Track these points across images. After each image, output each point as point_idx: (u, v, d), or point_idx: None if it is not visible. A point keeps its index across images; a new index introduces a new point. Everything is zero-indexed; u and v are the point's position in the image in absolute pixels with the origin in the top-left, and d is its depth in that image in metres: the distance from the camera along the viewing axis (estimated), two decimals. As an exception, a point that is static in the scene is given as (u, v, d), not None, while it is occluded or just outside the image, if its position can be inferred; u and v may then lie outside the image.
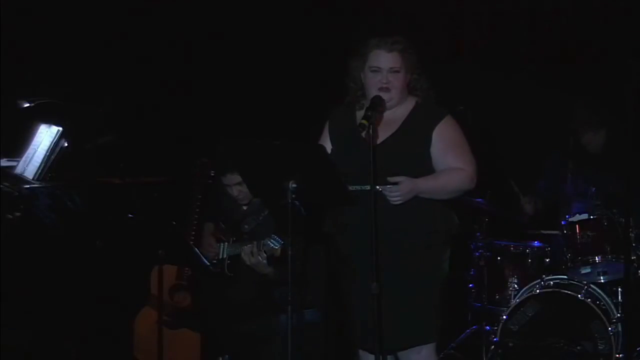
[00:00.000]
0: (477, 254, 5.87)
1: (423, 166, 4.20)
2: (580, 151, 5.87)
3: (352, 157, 4.19)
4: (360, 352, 4.40)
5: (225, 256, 5.14)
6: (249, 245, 4.93)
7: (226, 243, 5.19)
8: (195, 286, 5.45)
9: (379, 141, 4.18)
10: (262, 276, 5.05)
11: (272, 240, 4.87)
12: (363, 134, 4.07)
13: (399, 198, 4.11)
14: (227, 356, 5.22)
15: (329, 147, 4.31)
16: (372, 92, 4.23)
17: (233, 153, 4.40)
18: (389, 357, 4.32)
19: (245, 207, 5.35)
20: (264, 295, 5.14)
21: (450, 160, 4.21)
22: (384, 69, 4.23)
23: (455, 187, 4.23)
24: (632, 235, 5.24)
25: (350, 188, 4.15)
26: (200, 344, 5.41)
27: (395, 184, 4.11)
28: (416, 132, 4.21)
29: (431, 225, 4.23)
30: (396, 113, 4.27)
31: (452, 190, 4.23)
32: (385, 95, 4.21)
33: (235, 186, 5.23)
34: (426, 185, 4.17)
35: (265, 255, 4.91)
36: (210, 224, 5.38)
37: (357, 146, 4.19)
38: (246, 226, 5.25)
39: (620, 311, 5.36)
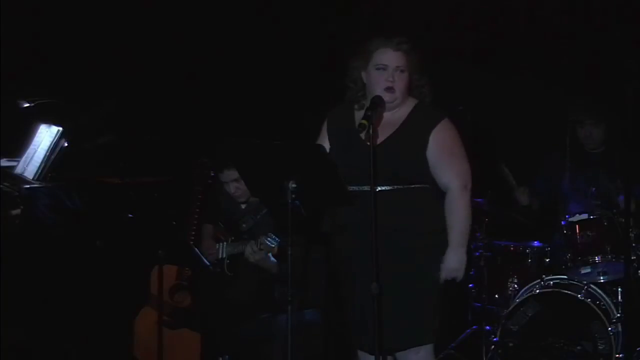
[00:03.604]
0: (477, 254, 5.87)
1: (420, 168, 4.20)
2: (578, 149, 5.87)
3: (350, 157, 4.18)
4: (359, 352, 4.40)
5: (224, 256, 5.15)
6: (250, 244, 4.94)
7: (225, 243, 5.19)
8: (195, 286, 5.45)
9: (377, 142, 4.17)
10: (268, 274, 5.05)
11: (269, 239, 4.88)
12: (363, 135, 4.07)
13: (458, 274, 4.23)
14: (227, 356, 5.22)
15: (327, 147, 4.30)
16: (376, 91, 4.20)
17: (233, 153, 4.40)
18: (387, 357, 4.32)
19: (243, 206, 5.35)
20: (264, 295, 5.15)
21: (443, 170, 4.21)
22: (390, 67, 4.21)
23: (467, 212, 4.24)
24: (632, 235, 5.24)
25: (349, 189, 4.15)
26: (200, 344, 5.41)
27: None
28: (414, 134, 4.21)
29: (430, 225, 4.23)
30: (395, 115, 4.26)
31: (468, 215, 4.25)
32: (389, 96, 4.20)
33: (232, 183, 5.23)
34: (461, 240, 4.22)
35: (262, 253, 4.92)
36: (209, 225, 5.38)
37: (355, 147, 4.19)
38: (244, 225, 5.26)
39: (620, 311, 5.36)
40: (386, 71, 4.21)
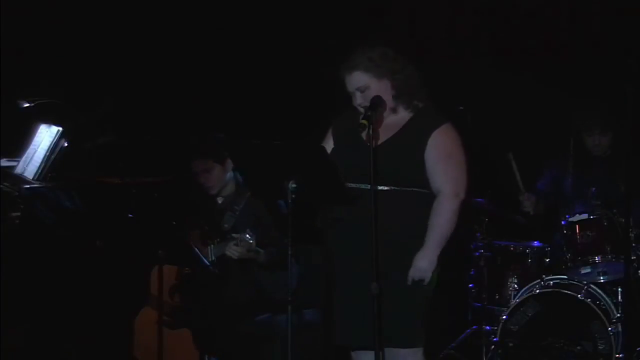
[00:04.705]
0: (477, 254, 5.87)
1: (418, 171, 4.18)
2: (583, 153, 5.85)
3: (351, 155, 4.19)
4: (352, 353, 4.39)
5: (213, 258, 5.14)
6: (229, 245, 4.94)
7: (212, 245, 5.18)
8: (187, 285, 5.44)
9: (378, 142, 4.17)
10: (258, 265, 5.05)
11: (247, 235, 4.89)
12: (363, 135, 4.07)
13: (425, 276, 4.14)
14: (213, 357, 5.23)
15: (330, 148, 4.29)
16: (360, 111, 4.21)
17: (234, 153, 4.41)
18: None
19: (220, 200, 5.32)
20: (263, 295, 5.15)
21: (437, 173, 4.17)
22: (353, 92, 4.22)
23: (451, 218, 4.18)
24: (632, 235, 5.24)
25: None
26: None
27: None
28: (414, 137, 4.20)
29: (423, 230, 4.18)
30: (398, 116, 4.26)
31: (452, 222, 4.19)
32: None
33: (203, 174, 5.22)
34: (437, 243, 4.15)
35: (243, 249, 4.92)
36: (194, 232, 5.36)
37: (356, 145, 4.20)
38: (226, 225, 5.25)
39: (620, 311, 5.37)
40: (354, 96, 4.23)
